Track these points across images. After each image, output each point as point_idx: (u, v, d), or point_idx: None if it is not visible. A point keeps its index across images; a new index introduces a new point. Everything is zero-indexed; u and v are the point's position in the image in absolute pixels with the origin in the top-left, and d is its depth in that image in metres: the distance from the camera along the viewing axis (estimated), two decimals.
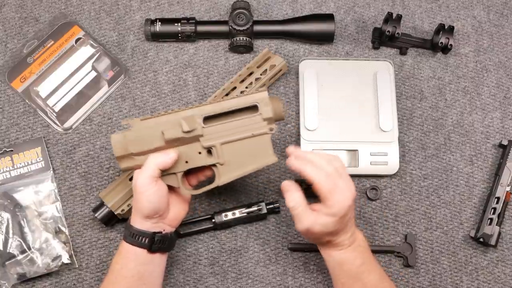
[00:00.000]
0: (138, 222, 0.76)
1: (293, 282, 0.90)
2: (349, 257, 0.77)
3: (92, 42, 0.99)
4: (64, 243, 0.89)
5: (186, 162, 0.77)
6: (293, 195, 0.75)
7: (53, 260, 0.88)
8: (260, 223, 0.92)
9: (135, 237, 0.75)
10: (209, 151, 0.77)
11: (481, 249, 0.93)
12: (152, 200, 0.74)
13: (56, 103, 0.96)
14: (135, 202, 0.76)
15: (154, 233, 0.76)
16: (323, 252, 0.79)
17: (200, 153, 0.76)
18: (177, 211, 0.80)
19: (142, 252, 0.76)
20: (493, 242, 0.90)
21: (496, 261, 0.92)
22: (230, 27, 0.97)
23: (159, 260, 0.78)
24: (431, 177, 0.95)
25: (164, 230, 0.78)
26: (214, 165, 0.77)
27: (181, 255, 0.91)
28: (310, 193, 0.77)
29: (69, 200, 0.93)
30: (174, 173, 0.77)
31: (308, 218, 0.74)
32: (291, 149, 0.78)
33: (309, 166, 0.74)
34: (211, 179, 0.80)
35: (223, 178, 0.77)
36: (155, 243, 0.76)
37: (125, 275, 0.75)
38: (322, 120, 0.94)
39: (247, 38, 0.97)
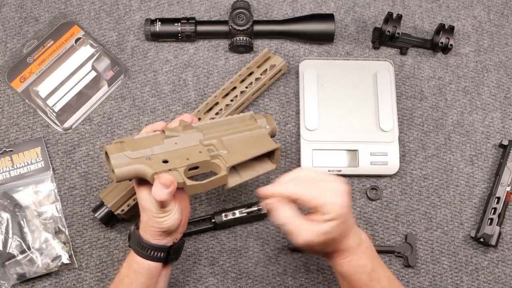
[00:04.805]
0: (152, 238, 0.72)
1: (293, 282, 0.90)
2: (359, 264, 0.70)
3: (92, 42, 0.99)
4: (64, 243, 0.89)
5: (187, 159, 0.74)
6: (283, 212, 0.66)
7: (53, 260, 0.88)
8: (260, 223, 0.92)
9: (150, 252, 0.72)
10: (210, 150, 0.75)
11: (482, 249, 0.92)
12: (176, 217, 0.71)
13: (56, 103, 0.96)
14: (149, 221, 0.71)
15: (171, 246, 0.73)
16: (331, 262, 0.72)
17: (200, 152, 0.75)
18: (185, 216, 0.77)
19: (156, 266, 0.73)
20: (493, 242, 0.90)
21: (497, 261, 0.92)
22: (230, 27, 0.97)
23: (168, 269, 0.77)
24: (431, 177, 0.95)
25: (176, 239, 0.75)
26: (217, 158, 0.74)
27: (181, 255, 0.90)
28: None
29: (69, 200, 0.92)
30: (176, 170, 0.72)
31: (307, 230, 0.65)
32: (260, 190, 0.69)
33: (283, 187, 0.67)
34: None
35: (229, 162, 0.73)
36: (171, 255, 0.74)
37: None
38: (322, 120, 0.93)
39: (247, 38, 0.97)
